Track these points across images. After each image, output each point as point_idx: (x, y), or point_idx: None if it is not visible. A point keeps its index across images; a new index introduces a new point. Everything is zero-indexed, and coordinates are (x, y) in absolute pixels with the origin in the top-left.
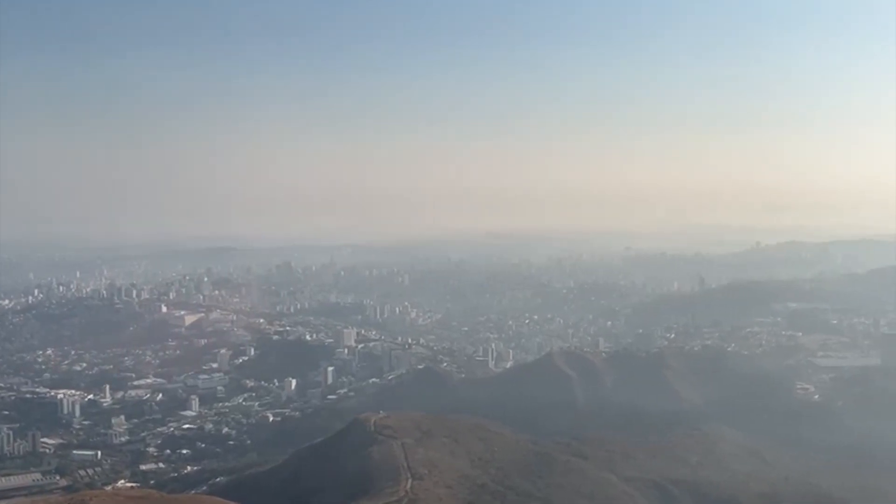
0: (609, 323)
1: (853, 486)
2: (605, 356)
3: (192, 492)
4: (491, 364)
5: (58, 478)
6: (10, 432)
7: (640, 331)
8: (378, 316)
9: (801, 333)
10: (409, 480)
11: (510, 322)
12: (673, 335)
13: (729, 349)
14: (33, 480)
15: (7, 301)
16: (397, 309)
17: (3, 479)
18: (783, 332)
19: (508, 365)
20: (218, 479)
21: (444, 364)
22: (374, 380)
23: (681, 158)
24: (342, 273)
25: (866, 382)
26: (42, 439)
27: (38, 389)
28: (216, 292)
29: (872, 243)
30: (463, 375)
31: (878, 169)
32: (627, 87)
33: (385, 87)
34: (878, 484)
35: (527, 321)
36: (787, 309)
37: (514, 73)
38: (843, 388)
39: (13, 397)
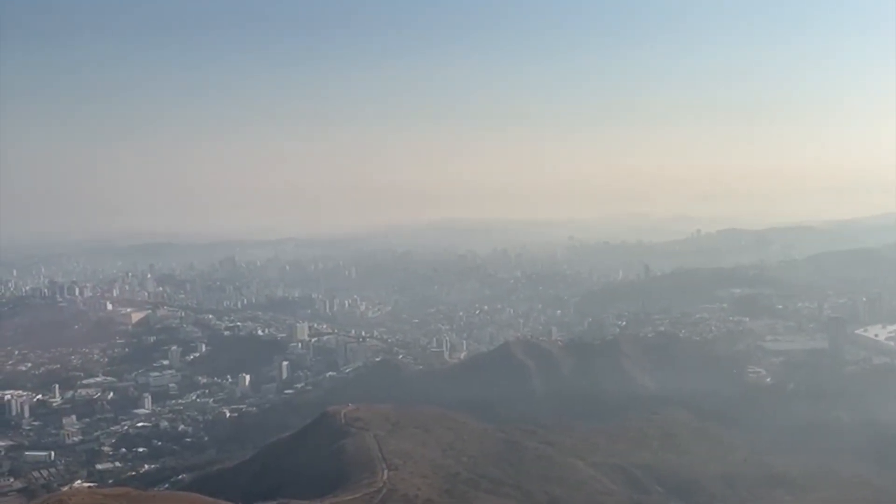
0: (558, 312)
1: (807, 467)
2: (561, 345)
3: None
4: (446, 355)
5: (12, 480)
6: None
7: (590, 319)
8: (328, 309)
9: (747, 319)
10: (385, 471)
11: (461, 313)
12: (624, 323)
13: (681, 335)
14: None
15: None
16: (346, 302)
17: None
18: (730, 318)
19: (462, 355)
20: (180, 477)
21: (400, 356)
22: (330, 373)
23: (618, 150)
24: (287, 267)
25: (814, 365)
26: None
27: None
28: (160, 289)
29: (807, 230)
30: (420, 367)
31: (813, 158)
32: (567, 79)
33: (326, 81)
34: (829, 463)
35: (477, 312)
36: (732, 295)
37: (456, 72)
38: (792, 371)
39: None
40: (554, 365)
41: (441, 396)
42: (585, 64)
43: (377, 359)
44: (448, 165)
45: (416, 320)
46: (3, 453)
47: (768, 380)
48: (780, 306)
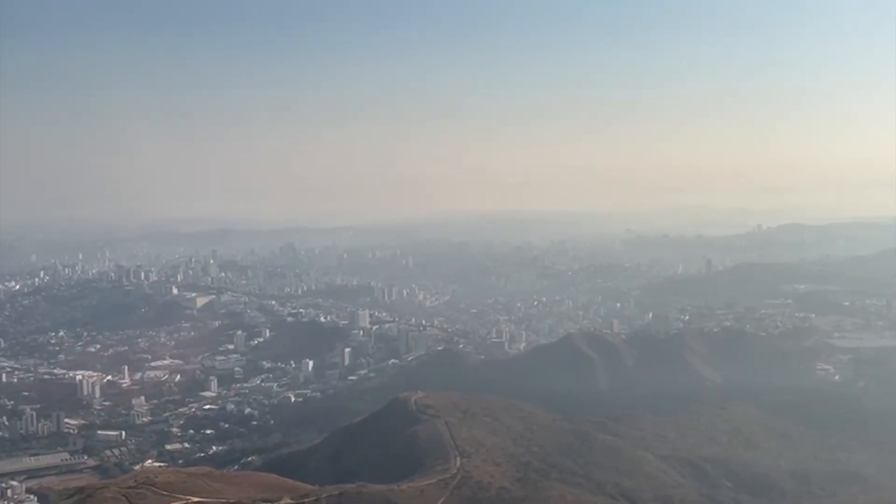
0: (618, 305)
1: (879, 464)
2: (624, 338)
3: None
4: (506, 346)
5: (85, 458)
6: (34, 413)
7: (652, 313)
8: (386, 298)
9: (814, 315)
10: (458, 458)
11: (518, 304)
12: (688, 317)
13: (746, 330)
14: (62, 460)
15: (13, 283)
16: (405, 291)
17: (31, 458)
18: (796, 314)
19: (522, 346)
20: (249, 459)
21: (461, 345)
22: (393, 361)
23: (674, 141)
24: (345, 255)
25: (884, 363)
26: (65, 420)
27: (55, 370)
28: (223, 274)
29: (872, 226)
30: (482, 357)
31: (874, 153)
32: (623, 72)
33: (383, 75)
34: None
35: (535, 303)
36: (797, 291)
37: (511, 62)
38: (861, 369)
39: (32, 378)
40: (618, 358)
41: (505, 387)
42: (638, 53)
43: (439, 348)
44: (504, 156)
45: (474, 310)
46: (76, 432)
47: (837, 377)
48: (847, 303)
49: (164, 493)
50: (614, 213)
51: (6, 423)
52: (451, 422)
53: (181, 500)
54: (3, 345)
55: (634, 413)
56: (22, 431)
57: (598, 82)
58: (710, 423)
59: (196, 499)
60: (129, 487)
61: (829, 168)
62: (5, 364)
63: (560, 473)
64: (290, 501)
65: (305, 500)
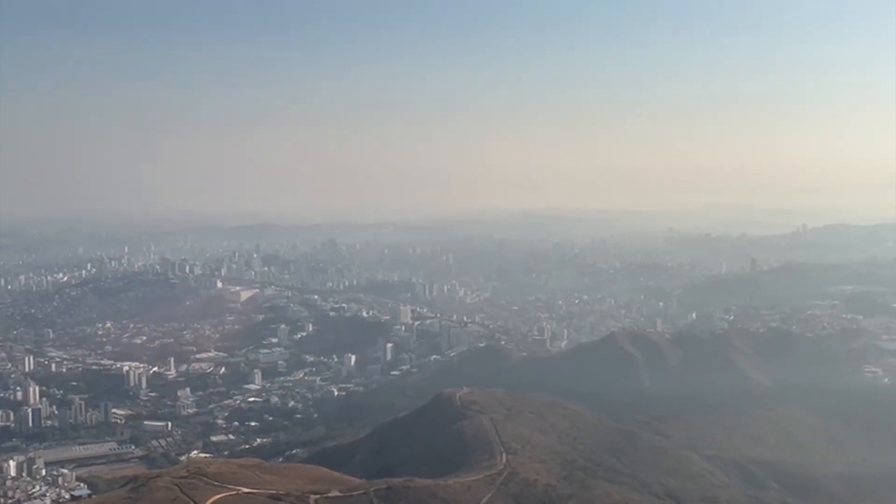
0: (661, 304)
1: None
2: (668, 337)
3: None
4: (547, 343)
5: (132, 448)
6: (82, 403)
7: (696, 312)
8: (427, 294)
9: (861, 317)
10: (504, 455)
11: (560, 302)
12: (732, 317)
13: (793, 331)
14: (110, 450)
15: (61, 275)
16: (445, 287)
17: (80, 447)
18: (843, 315)
19: (563, 344)
20: (293, 451)
21: (503, 342)
22: (435, 357)
23: (715, 139)
24: (386, 251)
25: None
26: (112, 410)
27: (102, 361)
28: (266, 269)
29: None
30: (524, 354)
31: None
32: (657, 70)
33: (424, 71)
34: None
35: (576, 301)
36: (843, 292)
37: (548, 59)
38: None
39: (80, 369)
40: (662, 357)
41: (547, 384)
42: (677, 51)
43: (481, 344)
44: (544, 154)
45: (515, 307)
46: (123, 422)
47: (886, 380)
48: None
49: (216, 483)
50: (655, 211)
51: (56, 412)
52: (496, 418)
53: (232, 490)
54: (51, 335)
55: (680, 413)
56: (71, 421)
57: (639, 81)
58: (756, 424)
59: (246, 490)
60: (182, 477)
61: (877, 167)
62: (54, 354)
63: (605, 472)
64: (338, 494)
65: (354, 493)
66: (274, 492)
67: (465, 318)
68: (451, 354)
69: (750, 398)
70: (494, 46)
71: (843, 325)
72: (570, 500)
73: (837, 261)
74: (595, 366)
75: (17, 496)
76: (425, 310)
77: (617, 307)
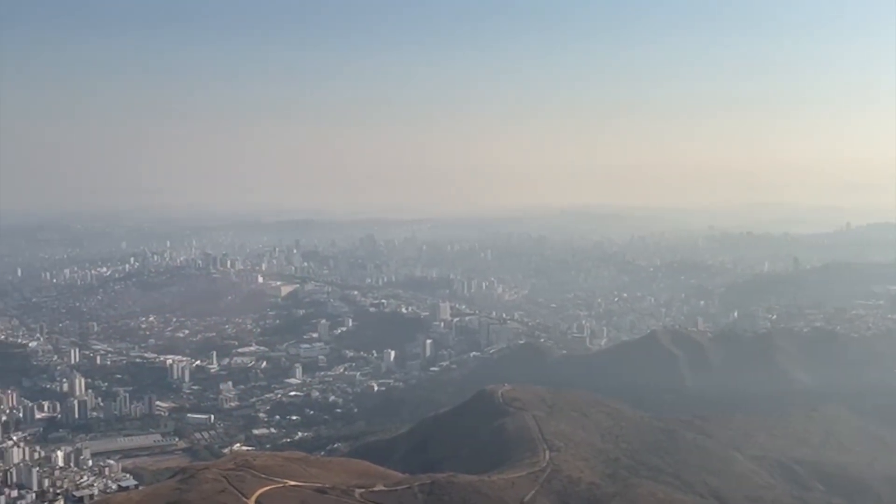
0: (702, 302)
1: None
2: (710, 336)
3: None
4: (587, 341)
5: (176, 440)
6: (126, 395)
7: (737, 311)
8: (465, 291)
9: None
10: (547, 452)
11: (599, 300)
12: (775, 316)
13: (837, 331)
14: (154, 441)
15: (105, 269)
16: (484, 284)
17: (125, 439)
18: (889, 316)
19: (603, 342)
20: (335, 446)
21: (542, 340)
22: (474, 353)
23: (756, 136)
24: (424, 247)
25: None
26: (156, 403)
27: (146, 354)
28: (305, 264)
29: None
30: (563, 352)
31: None
32: (699, 66)
33: (462, 66)
34: None
35: (616, 299)
36: (889, 292)
37: (584, 55)
38: None
39: (124, 361)
40: (704, 356)
41: (588, 382)
42: (713, 47)
43: (520, 341)
44: (580, 150)
45: (554, 305)
46: (166, 414)
47: None
48: None
49: (263, 476)
50: (695, 209)
51: (101, 404)
52: (539, 415)
53: (279, 483)
54: (96, 328)
55: (722, 412)
56: (116, 412)
57: (677, 77)
58: (800, 424)
59: (293, 482)
60: (229, 469)
61: None
62: (99, 347)
63: (649, 471)
64: (383, 488)
65: (398, 487)
66: (319, 485)
67: (503, 315)
68: (491, 351)
69: (794, 398)
70: (529, 44)
71: (888, 326)
72: (614, 499)
73: (882, 259)
74: (636, 364)
75: (65, 486)
76: (464, 306)
77: (657, 305)
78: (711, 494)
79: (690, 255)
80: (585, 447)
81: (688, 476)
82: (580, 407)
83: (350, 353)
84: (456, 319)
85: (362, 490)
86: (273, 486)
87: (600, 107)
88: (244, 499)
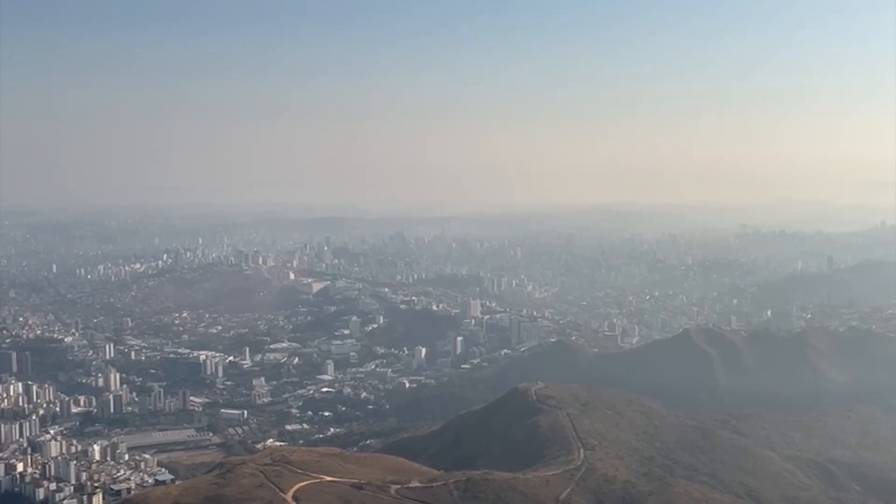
0: (735, 301)
1: None
2: (744, 335)
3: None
4: (618, 339)
5: (210, 435)
6: (161, 390)
7: (770, 310)
8: (495, 288)
9: None
10: (582, 450)
11: (630, 298)
12: (809, 315)
13: (873, 330)
14: (188, 436)
15: (139, 265)
16: (514, 282)
17: (160, 433)
18: None
19: (634, 341)
20: (367, 442)
21: (573, 338)
22: (505, 351)
23: (788, 134)
24: (454, 245)
25: None
26: (190, 398)
27: (180, 350)
28: (336, 261)
29: None
30: (595, 350)
31: None
32: (729, 62)
33: (490, 63)
34: None
35: (647, 297)
36: None
37: (612, 50)
38: None
39: (158, 357)
40: (737, 355)
41: (620, 380)
42: (750, 43)
43: (551, 339)
44: (610, 148)
45: (584, 303)
46: (200, 409)
47: None
48: None
49: (299, 471)
50: (726, 207)
51: (136, 398)
52: (573, 413)
53: (315, 478)
54: (130, 324)
55: (758, 412)
56: (150, 407)
57: (705, 74)
58: (837, 424)
59: (329, 478)
60: (266, 464)
61: None
62: (133, 343)
63: (684, 470)
64: (418, 484)
65: (433, 484)
66: (355, 481)
67: (534, 313)
68: (522, 349)
69: (829, 398)
70: (555, 37)
71: None
72: (650, 498)
73: None
74: (669, 363)
75: (102, 479)
76: (494, 304)
77: (689, 304)
78: (748, 494)
79: (722, 254)
80: (620, 445)
81: (724, 475)
82: (614, 405)
83: (381, 350)
84: (486, 317)
85: (398, 486)
86: (310, 482)
87: (630, 103)
88: (281, 493)
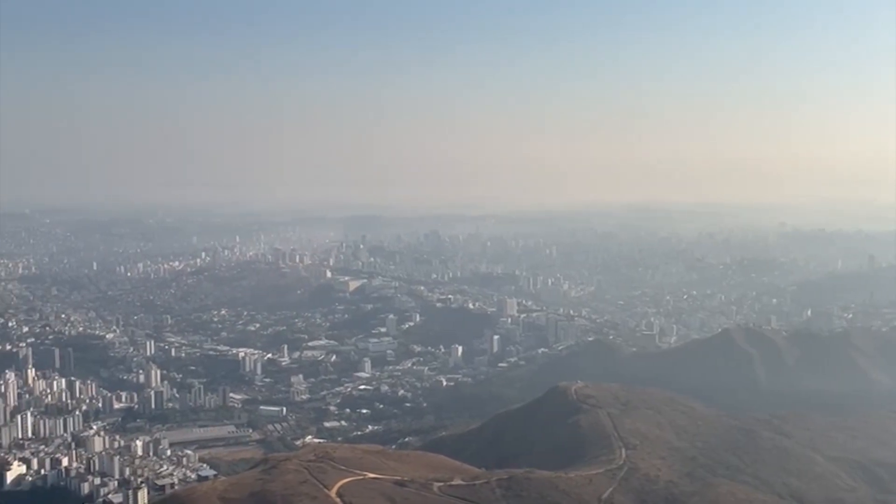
0: (774, 300)
1: None
2: (785, 335)
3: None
4: (657, 339)
5: (250, 431)
6: (201, 387)
7: (810, 310)
8: (531, 287)
9: None
10: (623, 450)
11: (668, 297)
12: (851, 315)
13: None
14: (228, 432)
15: (177, 263)
16: (549, 281)
17: (201, 429)
18: None
19: (673, 340)
20: (406, 440)
21: (611, 337)
22: (542, 350)
23: (827, 131)
24: (488, 243)
25: None
26: (230, 394)
27: (219, 347)
28: (372, 259)
29: None
30: (634, 349)
31: None
32: (763, 62)
33: (528, 61)
34: None
35: (685, 296)
36: None
37: (652, 52)
38: None
39: (198, 354)
40: (778, 355)
41: (659, 380)
42: (797, 43)
43: (589, 338)
44: (646, 146)
45: (621, 302)
46: (240, 406)
47: None
48: None
49: (342, 467)
50: (764, 205)
51: (176, 395)
52: (613, 413)
53: (358, 475)
54: (170, 321)
55: (800, 412)
56: (191, 404)
57: (742, 71)
58: (881, 425)
59: (372, 475)
60: (310, 461)
61: None
62: (173, 339)
63: (727, 470)
64: (461, 482)
65: (476, 482)
66: (398, 478)
67: (570, 312)
68: (559, 348)
69: (872, 399)
70: (594, 36)
71: None
72: (693, 498)
73: None
74: (709, 362)
75: (146, 474)
76: (530, 303)
77: (727, 303)
78: (791, 496)
79: (761, 253)
80: (662, 445)
81: (767, 476)
82: (654, 404)
83: (418, 348)
84: (523, 315)
85: (440, 484)
86: (353, 479)
87: (666, 102)
88: (326, 490)
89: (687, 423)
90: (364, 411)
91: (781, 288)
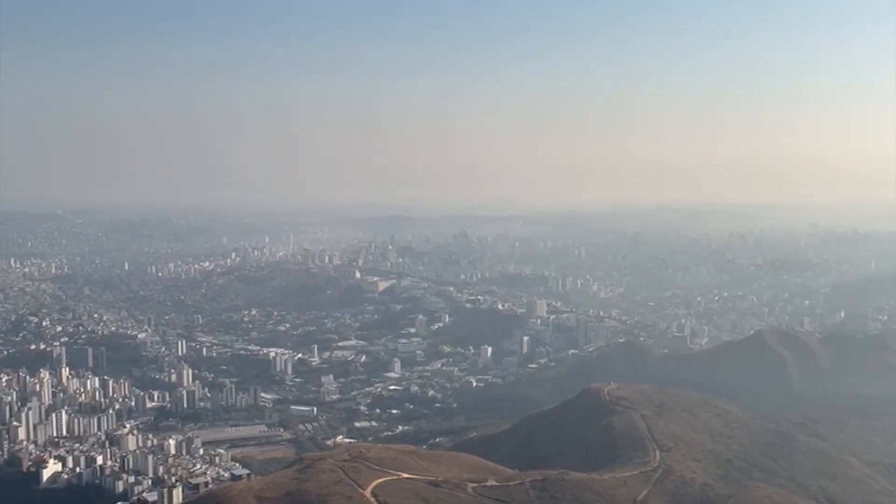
0: (807, 302)
1: None
2: (818, 337)
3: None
4: (688, 341)
5: (281, 430)
6: (232, 386)
7: (843, 311)
8: (560, 288)
9: None
10: (658, 452)
11: (698, 298)
12: (885, 317)
13: None
14: (260, 432)
15: (208, 263)
16: (578, 282)
17: (233, 429)
18: None
19: (704, 342)
20: (437, 440)
21: (641, 338)
22: (572, 351)
23: (856, 131)
24: (517, 244)
25: None
26: (261, 394)
27: (250, 347)
28: (400, 260)
29: None
30: (665, 351)
31: None
32: (793, 61)
33: (556, 61)
34: None
35: (716, 298)
36: None
37: (681, 53)
38: None
39: (229, 353)
40: (812, 357)
41: (691, 382)
42: (824, 41)
43: (620, 340)
44: (676, 146)
45: (651, 303)
46: (271, 405)
47: None
48: None
49: (377, 467)
50: (796, 205)
51: (208, 394)
52: (647, 415)
53: (393, 475)
54: (201, 321)
55: (835, 415)
56: (222, 403)
57: (770, 70)
58: None
59: (406, 475)
60: (345, 461)
61: None
62: (204, 339)
63: (762, 473)
64: (495, 483)
65: (510, 483)
66: (432, 478)
67: (600, 313)
68: (590, 349)
69: None
70: (618, 34)
71: None
72: (728, 501)
73: None
74: (742, 364)
75: (179, 473)
76: (559, 304)
77: (759, 305)
78: (827, 499)
79: (793, 254)
80: (696, 447)
81: (802, 479)
82: (688, 407)
83: (447, 349)
84: (552, 317)
85: (474, 484)
86: (387, 478)
87: (694, 101)
88: (360, 490)
89: (721, 426)
90: (394, 412)
91: (814, 289)
